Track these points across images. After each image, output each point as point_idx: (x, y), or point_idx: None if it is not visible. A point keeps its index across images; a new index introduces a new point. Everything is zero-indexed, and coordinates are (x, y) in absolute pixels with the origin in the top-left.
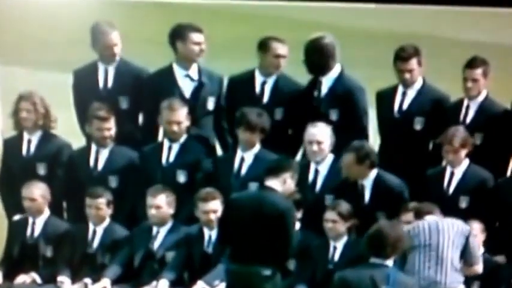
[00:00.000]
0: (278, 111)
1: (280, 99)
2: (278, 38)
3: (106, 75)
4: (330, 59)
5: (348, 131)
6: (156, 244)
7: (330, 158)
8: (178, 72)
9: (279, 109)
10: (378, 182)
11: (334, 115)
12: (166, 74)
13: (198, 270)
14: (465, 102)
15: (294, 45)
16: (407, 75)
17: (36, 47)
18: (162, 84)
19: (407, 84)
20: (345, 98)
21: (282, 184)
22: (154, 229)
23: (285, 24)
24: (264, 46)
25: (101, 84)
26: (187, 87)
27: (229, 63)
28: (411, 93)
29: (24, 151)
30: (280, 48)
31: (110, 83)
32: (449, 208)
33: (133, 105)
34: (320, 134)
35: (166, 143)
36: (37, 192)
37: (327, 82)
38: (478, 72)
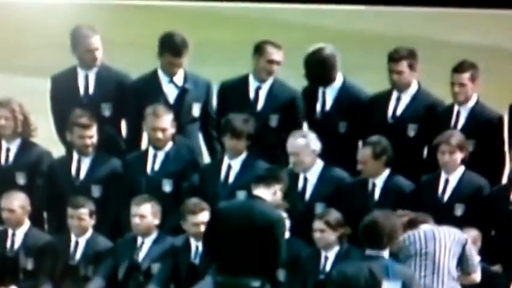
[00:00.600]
0: (273, 118)
1: (276, 106)
2: (274, 43)
3: (87, 81)
4: (332, 70)
5: (355, 141)
6: (141, 255)
7: (320, 165)
8: (163, 77)
9: (274, 116)
10: (389, 182)
11: (342, 127)
12: (151, 79)
13: (184, 282)
14: (455, 108)
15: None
16: (395, 77)
17: (13, 52)
18: (146, 90)
19: (397, 87)
20: (352, 108)
21: (272, 195)
22: (139, 240)
23: (274, 27)
24: (259, 50)
25: (81, 90)
26: (171, 93)
27: (215, 67)
28: (405, 99)
29: (2, 160)
30: (275, 54)
31: (91, 89)
32: (444, 216)
33: (116, 112)
34: (296, 146)
35: (151, 151)
36: (16, 203)
37: (331, 93)
38: (466, 76)
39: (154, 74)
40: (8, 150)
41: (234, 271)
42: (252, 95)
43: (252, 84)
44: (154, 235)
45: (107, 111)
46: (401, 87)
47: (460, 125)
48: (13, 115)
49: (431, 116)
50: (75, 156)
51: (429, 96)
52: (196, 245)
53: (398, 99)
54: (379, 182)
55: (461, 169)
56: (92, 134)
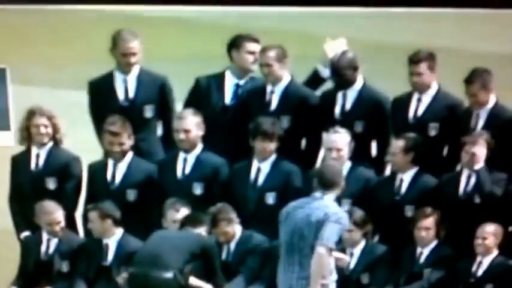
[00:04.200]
0: (285, 120)
1: (288, 107)
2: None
3: (126, 85)
4: (356, 72)
5: (371, 141)
6: None
7: (348, 165)
8: (230, 79)
9: (286, 117)
10: (416, 179)
11: (359, 126)
12: (218, 80)
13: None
14: (474, 111)
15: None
16: (416, 78)
17: (52, 66)
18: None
19: (417, 88)
20: (372, 108)
21: None
22: None
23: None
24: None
25: (121, 94)
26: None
27: None
28: (426, 100)
29: (33, 166)
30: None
31: (131, 93)
32: (465, 211)
33: (158, 115)
34: (340, 141)
35: (181, 155)
36: (59, 215)
37: (351, 94)
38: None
39: (222, 75)
40: (37, 156)
41: (149, 264)
42: (267, 97)
43: (268, 87)
44: None
45: (149, 113)
46: (422, 89)
47: (479, 127)
48: (51, 122)
49: (452, 116)
50: (111, 161)
51: (449, 96)
52: (228, 246)
53: (419, 100)
54: (407, 177)
55: (480, 165)
56: (123, 141)
